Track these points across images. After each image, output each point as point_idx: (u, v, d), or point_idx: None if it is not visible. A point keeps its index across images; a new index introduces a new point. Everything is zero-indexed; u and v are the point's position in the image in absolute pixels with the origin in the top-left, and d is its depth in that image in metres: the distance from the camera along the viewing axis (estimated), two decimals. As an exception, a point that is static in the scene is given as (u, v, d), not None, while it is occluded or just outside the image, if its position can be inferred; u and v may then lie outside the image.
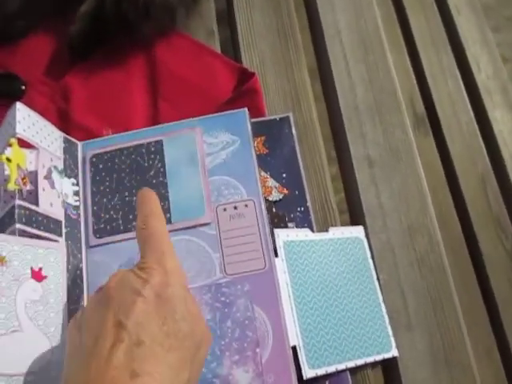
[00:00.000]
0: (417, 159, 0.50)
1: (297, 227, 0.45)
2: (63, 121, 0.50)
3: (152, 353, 0.27)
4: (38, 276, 0.35)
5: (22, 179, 0.37)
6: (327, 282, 0.43)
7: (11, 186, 0.36)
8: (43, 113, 0.46)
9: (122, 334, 0.27)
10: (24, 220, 0.36)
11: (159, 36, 0.54)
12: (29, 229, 0.36)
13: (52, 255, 0.37)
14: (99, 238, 0.42)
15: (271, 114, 0.51)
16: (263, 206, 0.42)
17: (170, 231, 0.42)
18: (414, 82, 0.56)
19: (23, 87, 0.51)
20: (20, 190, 0.37)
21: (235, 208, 0.42)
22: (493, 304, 0.46)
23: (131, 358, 0.26)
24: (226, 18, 0.59)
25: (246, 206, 0.42)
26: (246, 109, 0.46)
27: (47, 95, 0.51)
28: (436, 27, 0.59)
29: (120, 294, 0.29)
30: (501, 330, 0.45)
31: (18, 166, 0.37)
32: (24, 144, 0.40)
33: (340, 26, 0.57)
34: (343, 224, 0.48)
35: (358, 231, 0.46)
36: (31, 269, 0.35)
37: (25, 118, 0.39)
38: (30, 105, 0.44)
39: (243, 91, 0.50)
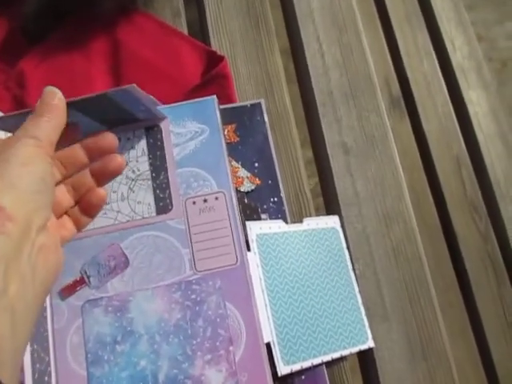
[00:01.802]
0: (392, 145, 0.49)
1: (270, 218, 0.43)
2: (19, 109, 0.46)
3: None
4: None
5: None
6: (302, 274, 0.41)
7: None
8: (-4, 101, 0.43)
9: None
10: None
11: (121, 14, 0.50)
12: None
13: None
14: (61, 235, 0.40)
15: (242, 100, 0.48)
16: (234, 199, 0.40)
17: (137, 226, 0.40)
18: (390, 61, 0.55)
19: (-26, 73, 0.47)
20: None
21: (205, 201, 0.40)
22: (467, 285, 0.47)
23: None
24: (194, -2, 0.55)
25: (217, 198, 0.40)
26: (214, 96, 0.44)
27: (1, 82, 0.48)
28: (411, 5, 0.58)
29: None
30: (474, 311, 0.46)
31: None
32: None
33: (313, 5, 0.54)
34: (318, 209, 0.47)
35: (333, 221, 0.45)
36: None
37: (-28, 109, 0.36)
38: (-18, 92, 0.41)
39: (212, 76, 0.47)
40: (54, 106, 0.29)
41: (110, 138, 0.32)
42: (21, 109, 0.46)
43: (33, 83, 0.47)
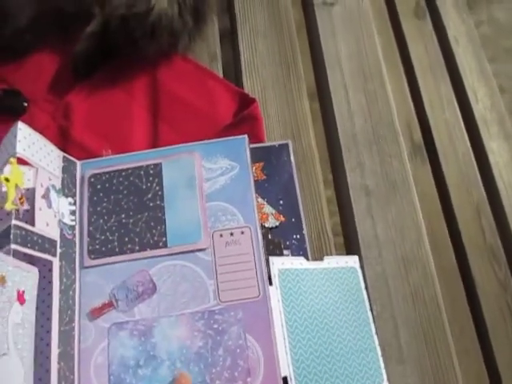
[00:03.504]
0: (413, 190, 0.51)
1: (292, 255, 0.45)
2: (63, 139, 0.50)
3: None
4: (21, 299, 0.35)
5: (19, 199, 0.37)
6: (320, 311, 0.42)
7: (8, 206, 0.36)
8: (44, 130, 0.46)
9: None
10: (19, 240, 0.36)
11: (161, 57, 0.54)
12: (24, 249, 0.36)
13: (31, 279, 0.37)
14: (94, 258, 0.42)
15: (270, 140, 0.51)
16: (259, 234, 0.42)
17: (166, 255, 0.42)
18: (412, 109, 0.57)
19: (25, 104, 0.51)
20: (17, 210, 0.37)
21: (231, 234, 0.42)
22: (484, 333, 0.46)
23: None
24: (230, 42, 0.59)
25: (243, 232, 0.42)
26: (245, 136, 0.46)
27: (49, 112, 0.52)
28: (435, 57, 0.61)
29: None
30: (491, 358, 0.45)
31: (16, 186, 0.37)
32: (22, 161, 0.40)
33: (341, 54, 0.58)
34: (338, 247, 0.48)
35: (352, 261, 0.46)
36: (17, 291, 0.35)
37: (25, 138, 0.39)
38: (32, 121, 0.44)
39: (243, 117, 0.50)
40: None
41: None
42: (65, 138, 0.50)
43: (78, 115, 0.51)
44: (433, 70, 0.60)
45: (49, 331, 0.38)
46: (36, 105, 0.52)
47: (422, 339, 0.44)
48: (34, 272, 0.37)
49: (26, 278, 0.36)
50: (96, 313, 0.41)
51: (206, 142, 0.47)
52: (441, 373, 0.43)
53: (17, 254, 0.36)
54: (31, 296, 0.36)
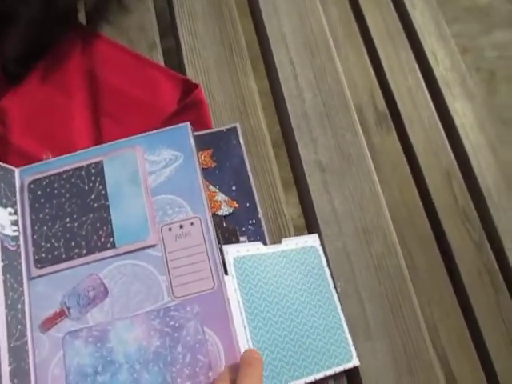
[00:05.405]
0: (369, 161, 0.50)
1: (249, 241, 0.44)
2: (1, 146, 0.48)
3: None
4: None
5: None
6: (282, 295, 0.41)
7: None
8: (-22, 140, 0.44)
9: None
10: (-49, 258, 0.34)
11: (96, 48, 0.51)
12: (-43, 267, 0.34)
13: None
14: (41, 268, 0.40)
15: (218, 125, 0.49)
16: (210, 223, 0.41)
17: (115, 256, 0.40)
18: (374, 78, 0.56)
19: (-44, 114, 0.49)
20: None
21: (181, 227, 0.41)
22: (463, 294, 0.46)
23: None
24: (169, 28, 0.57)
25: (192, 223, 0.41)
26: (187, 123, 0.45)
27: (-17, 120, 0.49)
28: (392, 23, 0.59)
29: None
30: (472, 318, 0.45)
31: None
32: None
33: (284, 30, 0.56)
34: (299, 228, 0.47)
35: (312, 240, 0.45)
36: None
37: None
38: (-36, 132, 0.42)
39: (188, 103, 0.49)
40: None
41: None
42: (2, 145, 0.48)
43: (15, 120, 0.49)
44: (391, 37, 0.58)
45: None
46: (-32, 114, 0.49)
47: (389, 310, 0.43)
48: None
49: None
50: (48, 323, 0.39)
51: (147, 134, 0.45)
52: (410, 342, 0.42)
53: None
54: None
